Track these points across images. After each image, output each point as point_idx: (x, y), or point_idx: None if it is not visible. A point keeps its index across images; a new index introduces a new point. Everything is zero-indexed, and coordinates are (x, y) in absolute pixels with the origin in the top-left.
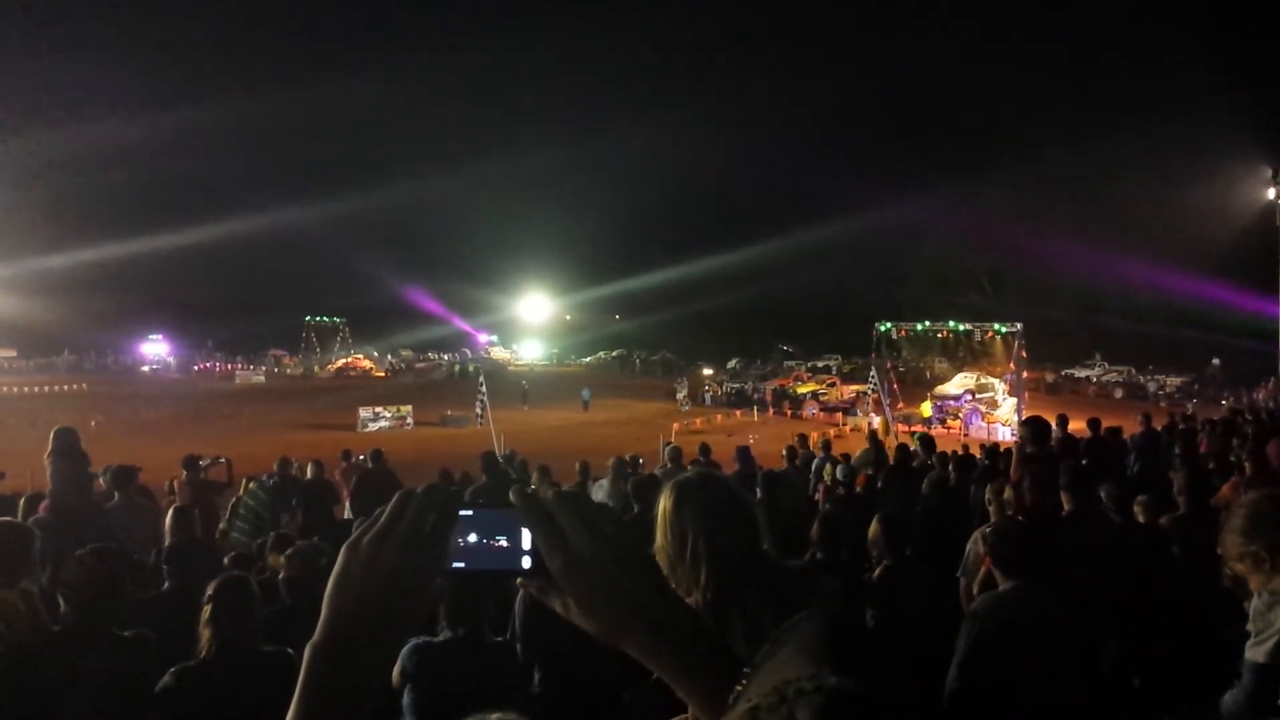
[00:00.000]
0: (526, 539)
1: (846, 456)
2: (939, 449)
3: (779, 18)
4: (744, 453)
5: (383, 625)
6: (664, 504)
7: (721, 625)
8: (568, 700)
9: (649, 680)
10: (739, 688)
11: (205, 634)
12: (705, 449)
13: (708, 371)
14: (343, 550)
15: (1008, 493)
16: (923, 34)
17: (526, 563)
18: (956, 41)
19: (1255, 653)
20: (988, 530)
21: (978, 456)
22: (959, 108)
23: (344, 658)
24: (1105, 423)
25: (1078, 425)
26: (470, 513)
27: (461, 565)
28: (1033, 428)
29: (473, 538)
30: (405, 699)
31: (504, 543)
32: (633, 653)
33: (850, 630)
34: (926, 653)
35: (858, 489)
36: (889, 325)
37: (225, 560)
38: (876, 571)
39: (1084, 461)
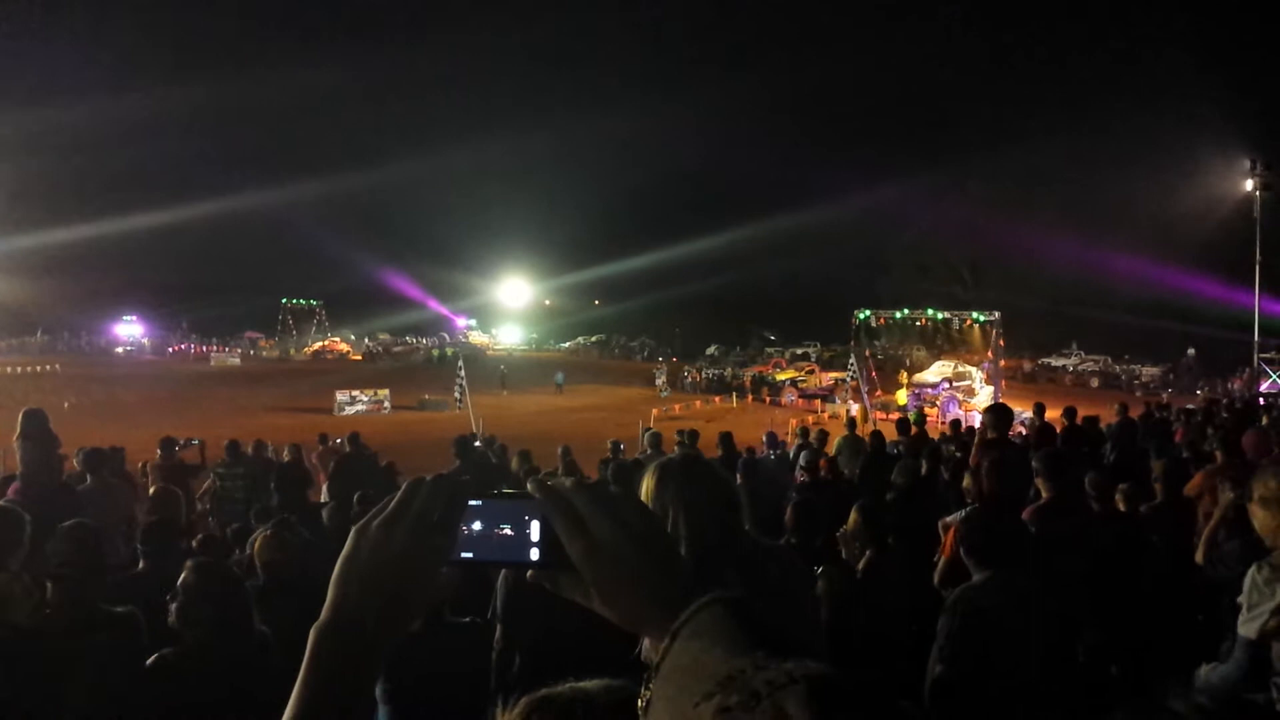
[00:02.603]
0: (536, 530)
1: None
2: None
3: (761, 6)
4: (726, 438)
5: (388, 609)
6: (647, 483)
7: None
8: (547, 681)
9: (631, 662)
10: (646, 693)
11: (191, 617)
12: (694, 435)
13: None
14: (352, 533)
15: (967, 480)
16: (905, 25)
17: (535, 554)
18: (939, 33)
19: (1248, 628)
20: (951, 520)
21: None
22: (941, 98)
23: (348, 640)
24: (1082, 411)
25: (1054, 414)
26: (480, 503)
27: (470, 556)
28: (996, 414)
29: (481, 527)
30: (378, 691)
31: (513, 533)
32: (655, 639)
33: (756, 614)
34: (911, 640)
35: (822, 473)
36: (868, 313)
37: (194, 544)
38: (860, 563)
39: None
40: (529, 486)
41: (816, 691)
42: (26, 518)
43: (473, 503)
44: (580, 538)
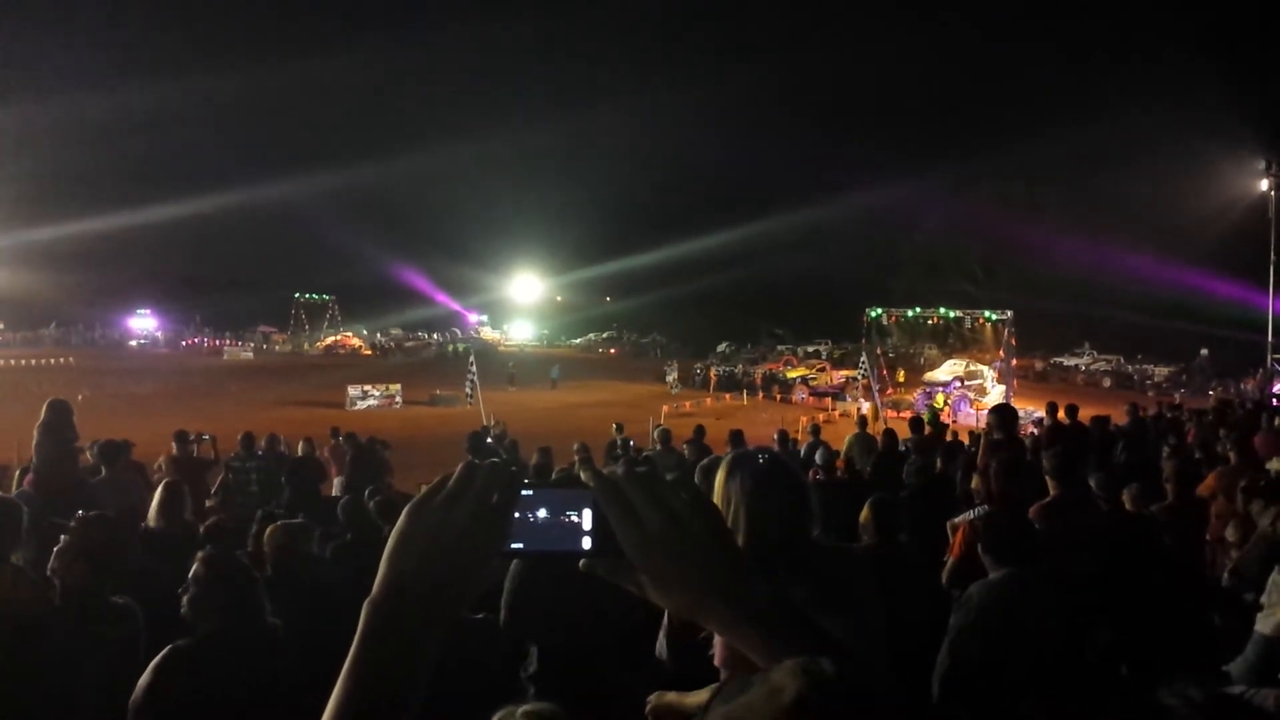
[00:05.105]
0: (587, 519)
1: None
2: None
3: (775, 1)
4: (736, 436)
5: (445, 589)
6: (720, 475)
7: None
8: (563, 678)
9: (644, 658)
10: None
11: (203, 608)
12: (700, 431)
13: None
14: (407, 510)
15: (975, 481)
16: (915, 20)
17: (586, 543)
18: (949, 28)
19: (1265, 624)
20: (960, 520)
21: (965, 443)
22: (954, 96)
23: (405, 614)
24: (1093, 411)
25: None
26: (530, 492)
27: (520, 546)
28: (999, 415)
29: (533, 517)
30: None
31: (564, 523)
32: (712, 627)
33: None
34: (917, 636)
35: (838, 472)
36: (880, 311)
37: (202, 529)
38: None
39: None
40: (582, 475)
41: (805, 666)
42: (24, 508)
43: (524, 492)
44: (633, 527)
